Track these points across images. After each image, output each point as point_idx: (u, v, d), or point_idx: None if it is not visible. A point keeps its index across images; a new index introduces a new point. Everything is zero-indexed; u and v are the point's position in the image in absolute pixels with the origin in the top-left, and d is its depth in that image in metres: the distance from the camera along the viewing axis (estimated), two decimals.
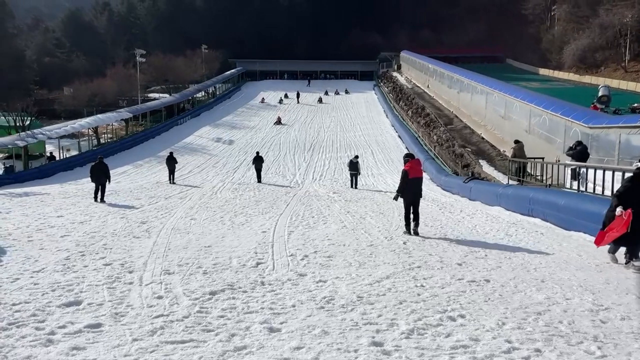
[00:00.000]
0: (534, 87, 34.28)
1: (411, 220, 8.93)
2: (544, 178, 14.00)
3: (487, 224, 10.44)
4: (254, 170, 21.81)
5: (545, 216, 10.40)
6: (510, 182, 15.33)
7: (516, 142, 16.13)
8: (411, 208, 8.92)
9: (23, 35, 70.80)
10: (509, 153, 17.71)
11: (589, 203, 9.19)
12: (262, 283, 5.50)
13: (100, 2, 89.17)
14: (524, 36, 70.69)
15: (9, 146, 25.56)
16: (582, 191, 11.11)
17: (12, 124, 32.93)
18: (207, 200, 14.63)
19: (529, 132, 19.32)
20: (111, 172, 15.77)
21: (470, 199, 15.10)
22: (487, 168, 20.04)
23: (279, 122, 39.50)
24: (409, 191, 8.86)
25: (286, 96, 51.81)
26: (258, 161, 21.70)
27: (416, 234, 8.81)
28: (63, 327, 4.00)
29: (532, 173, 15.37)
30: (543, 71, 55.55)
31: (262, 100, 50.45)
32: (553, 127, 17.21)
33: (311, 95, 52.80)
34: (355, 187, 19.30)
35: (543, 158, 14.94)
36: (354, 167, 19.77)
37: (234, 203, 14.04)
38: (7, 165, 24.97)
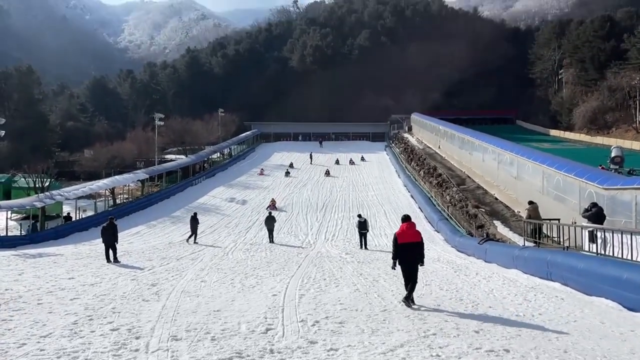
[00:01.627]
0: (546, 147, 34.50)
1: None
2: (561, 240, 13.70)
3: (504, 288, 10.13)
4: (266, 230, 21.79)
5: (565, 280, 10.07)
6: (527, 243, 15.02)
7: (530, 203, 15.99)
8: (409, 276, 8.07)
9: (48, 101, 74.13)
10: (523, 214, 17.50)
11: (609, 267, 8.91)
12: (271, 351, 5.33)
13: (124, 70, 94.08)
14: (533, 98, 72.16)
15: (27, 207, 26.08)
16: (600, 254, 10.81)
17: (32, 185, 33.82)
18: (218, 262, 14.53)
19: (542, 192, 19.18)
20: (124, 232, 15.95)
21: (486, 261, 14.76)
22: (502, 229, 19.73)
23: (272, 206, 30.61)
24: (402, 258, 8.03)
25: (291, 166, 46.75)
26: (270, 221, 21.72)
27: (409, 300, 7.95)
28: None
29: (549, 234, 15.08)
30: (554, 132, 56.03)
31: (261, 172, 43.92)
32: (567, 188, 17.07)
33: (324, 156, 53.63)
34: (365, 247, 19.09)
35: (559, 219, 14.71)
36: (362, 226, 19.72)
37: (245, 264, 13.91)
38: (29, 225, 25.51)
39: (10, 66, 68.99)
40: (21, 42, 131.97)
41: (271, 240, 20.96)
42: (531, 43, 77.35)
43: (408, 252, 8.00)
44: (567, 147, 41.32)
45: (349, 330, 6.33)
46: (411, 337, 6.01)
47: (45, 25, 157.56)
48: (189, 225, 21.79)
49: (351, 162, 48.89)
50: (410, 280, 8.03)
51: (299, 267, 13.22)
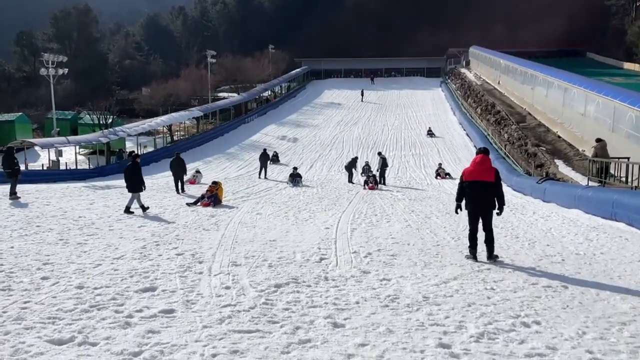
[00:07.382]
0: (618, 82, 31.79)
1: (478, 242, 6.65)
2: (630, 180, 12.90)
3: (563, 227, 9.81)
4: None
5: (631, 220, 9.59)
6: (591, 183, 14.29)
7: (598, 140, 14.99)
8: (478, 225, 6.58)
9: (106, 40, 76.02)
10: (589, 152, 16.54)
11: None
12: (326, 278, 5.51)
13: (176, 7, 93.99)
14: (607, 29, 65.84)
15: (94, 142, 27.60)
16: None
17: (96, 122, 35.56)
18: (272, 196, 14.95)
19: (612, 130, 17.92)
20: None
21: (544, 201, 14.27)
22: (563, 168, 18.84)
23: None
24: (469, 200, 6.57)
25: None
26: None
27: (492, 258, 6.56)
28: (140, 311, 4.22)
29: (616, 175, 14.22)
30: (628, 65, 51.26)
31: (193, 181, 20.01)
32: None
33: (375, 93, 52.32)
34: (384, 183, 19.15)
35: (628, 158, 13.78)
36: (384, 163, 19.88)
37: (297, 199, 14.24)
38: (115, 155, 28.33)
39: (69, 5, 70.73)
40: None
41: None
42: None
43: (477, 194, 6.42)
44: None
45: (401, 263, 6.41)
46: (464, 270, 6.01)
47: None
48: (258, 162, 22.30)
49: (429, 133, 33.83)
50: (485, 232, 6.51)
51: (350, 203, 13.37)
